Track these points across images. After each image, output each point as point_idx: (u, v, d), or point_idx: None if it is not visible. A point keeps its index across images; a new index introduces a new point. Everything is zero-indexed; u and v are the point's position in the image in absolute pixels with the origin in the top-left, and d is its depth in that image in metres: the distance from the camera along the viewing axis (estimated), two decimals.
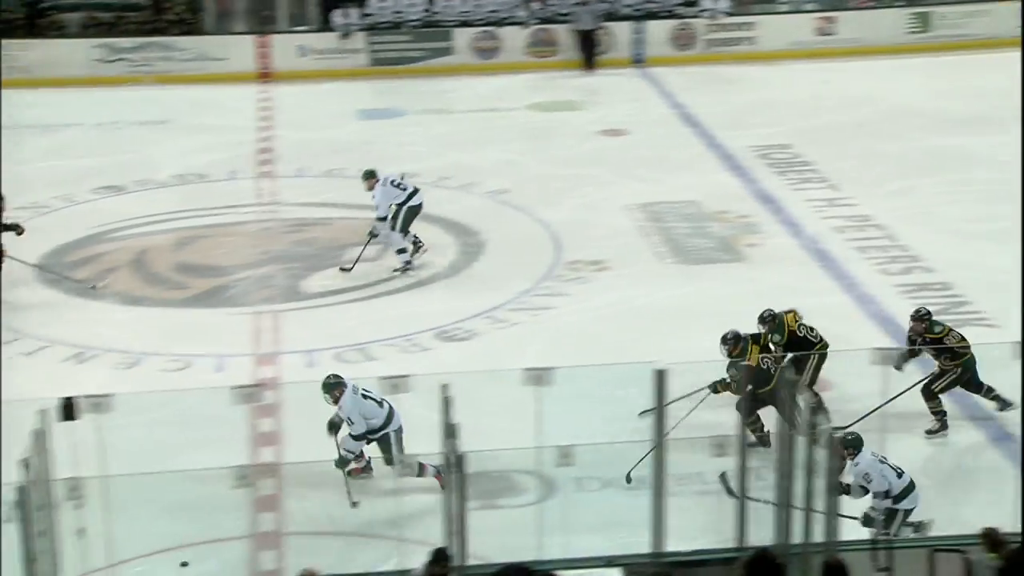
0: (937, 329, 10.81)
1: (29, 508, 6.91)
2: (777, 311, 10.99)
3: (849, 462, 9.12)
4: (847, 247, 14.89)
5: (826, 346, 10.94)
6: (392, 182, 14.18)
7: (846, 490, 8.97)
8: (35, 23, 22.95)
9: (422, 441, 8.11)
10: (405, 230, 14.19)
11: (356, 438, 9.73)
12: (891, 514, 9.10)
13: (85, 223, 15.86)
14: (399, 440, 9.82)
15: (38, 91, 21.54)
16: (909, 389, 10.45)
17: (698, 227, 15.71)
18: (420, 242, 14.44)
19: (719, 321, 11.38)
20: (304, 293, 14.08)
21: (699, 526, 8.83)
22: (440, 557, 6.96)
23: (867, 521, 9.08)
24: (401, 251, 14.22)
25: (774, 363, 10.53)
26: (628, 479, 9.68)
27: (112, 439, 8.35)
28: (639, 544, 7.79)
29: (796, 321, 10.99)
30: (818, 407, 10.62)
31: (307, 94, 21.84)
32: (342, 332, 12.94)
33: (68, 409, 9.58)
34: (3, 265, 13.78)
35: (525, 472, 9.96)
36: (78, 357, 12.45)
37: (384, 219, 14.03)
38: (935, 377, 10.72)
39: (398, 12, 23.54)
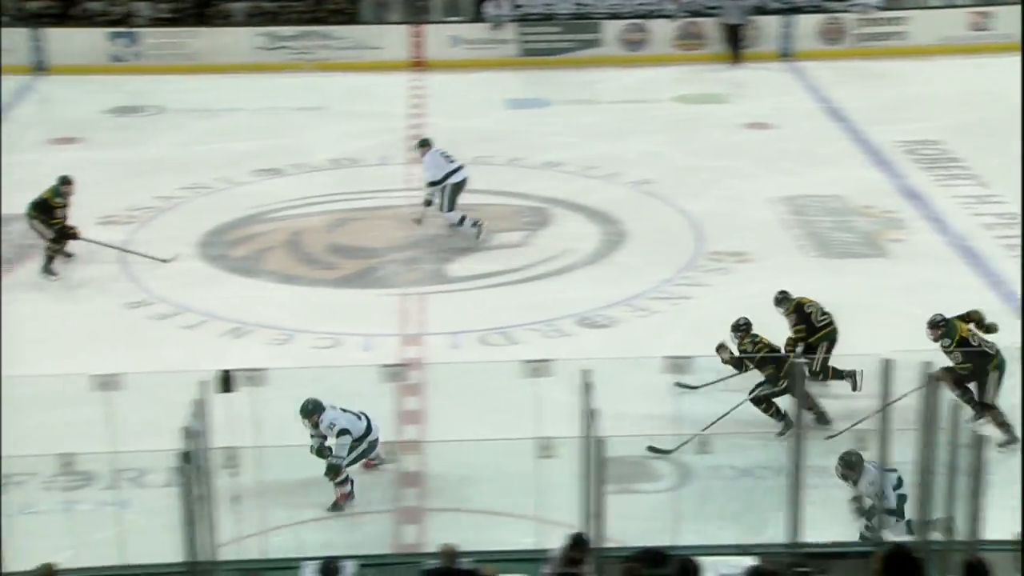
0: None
1: (190, 474, 7.34)
2: (792, 295, 11.36)
3: (858, 481, 8.89)
4: (995, 245, 14.69)
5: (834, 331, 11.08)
6: (442, 153, 15.11)
7: (866, 512, 8.86)
8: (204, 12, 23.83)
9: (562, 425, 8.31)
10: (452, 206, 15.00)
11: (343, 433, 9.72)
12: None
13: (243, 204, 16.44)
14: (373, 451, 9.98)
15: (203, 77, 22.34)
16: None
17: (842, 221, 15.65)
18: (466, 223, 15.15)
19: (860, 316, 11.41)
20: (450, 276, 14.42)
21: (831, 517, 8.88)
22: (578, 542, 7.09)
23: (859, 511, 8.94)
24: (461, 222, 15.05)
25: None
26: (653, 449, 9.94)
27: (266, 411, 8.74)
28: (774, 533, 7.92)
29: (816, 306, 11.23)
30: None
31: (457, 83, 22.22)
32: (486, 315, 13.23)
33: (226, 381, 10.05)
34: (67, 243, 14.37)
35: (661, 458, 10.15)
36: (235, 332, 12.96)
37: (434, 184, 14.96)
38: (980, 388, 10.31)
39: (548, 4, 23.78)
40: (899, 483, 8.57)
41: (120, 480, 9.24)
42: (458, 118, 20.15)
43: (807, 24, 23.41)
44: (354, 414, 9.85)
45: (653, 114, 20.50)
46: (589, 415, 7.26)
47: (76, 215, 15.04)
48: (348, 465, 9.72)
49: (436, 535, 8.84)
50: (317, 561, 7.44)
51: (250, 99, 21.29)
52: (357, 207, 16.53)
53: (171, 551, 7.56)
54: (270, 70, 22.67)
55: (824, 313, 11.29)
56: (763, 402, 10.61)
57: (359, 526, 9.64)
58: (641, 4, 23.72)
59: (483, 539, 8.86)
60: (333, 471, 9.63)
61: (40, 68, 22.63)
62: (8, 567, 7.51)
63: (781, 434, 10.31)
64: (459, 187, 15.06)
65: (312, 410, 9.79)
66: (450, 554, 7.33)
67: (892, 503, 8.60)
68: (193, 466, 7.44)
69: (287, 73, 22.61)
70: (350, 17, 23.90)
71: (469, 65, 22.97)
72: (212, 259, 14.83)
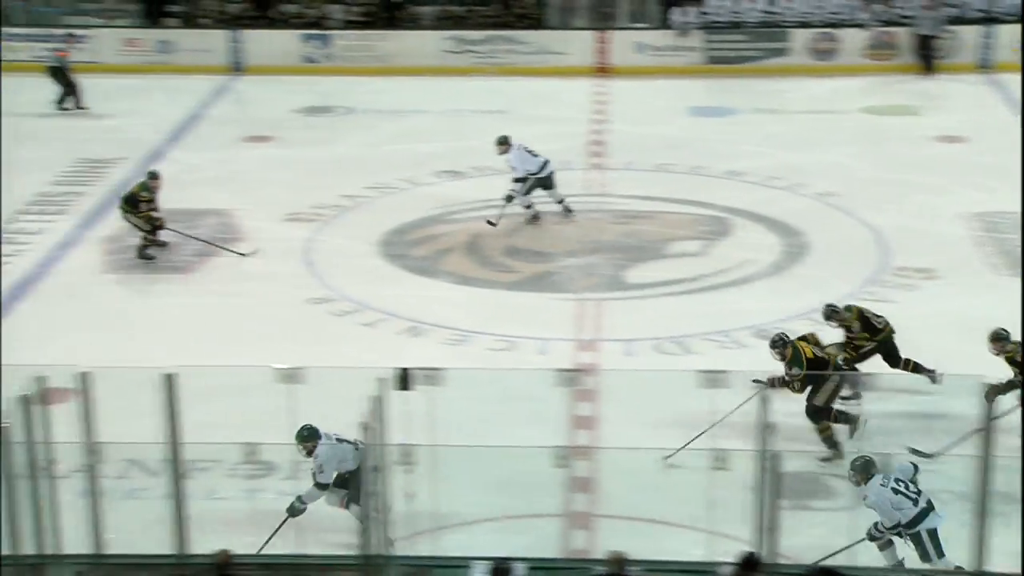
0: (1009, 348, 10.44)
1: (366, 469, 7.48)
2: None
3: (858, 488, 8.78)
4: None
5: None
6: (525, 149, 15.61)
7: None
8: (394, 16, 24.30)
9: (736, 439, 8.21)
10: (527, 194, 15.63)
11: (320, 487, 9.27)
12: (915, 539, 8.62)
13: (425, 205, 16.69)
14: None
15: (392, 79, 22.77)
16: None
17: None
18: (571, 210, 15.89)
19: None
20: (627, 283, 14.38)
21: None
22: (750, 562, 6.97)
23: (872, 537, 8.75)
24: (528, 207, 15.70)
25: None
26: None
27: (441, 411, 8.84)
28: (956, 558, 7.66)
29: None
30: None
31: (641, 90, 22.15)
32: (662, 324, 13.15)
33: (404, 379, 10.22)
34: (159, 235, 14.84)
35: (838, 476, 9.92)
36: (412, 331, 13.16)
37: (521, 180, 15.44)
38: None
39: (736, 12, 23.52)
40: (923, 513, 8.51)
41: (299, 471, 9.46)
42: (640, 124, 20.08)
43: (1007, 34, 22.60)
44: (351, 443, 9.31)
45: (841, 125, 20.08)
46: (765, 429, 7.15)
47: (265, 211, 15.53)
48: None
49: (605, 542, 8.82)
50: (488, 561, 7.48)
51: (435, 101, 21.61)
52: (537, 210, 16.59)
53: (346, 544, 7.74)
54: (456, 73, 22.97)
55: (879, 315, 11.42)
56: (824, 415, 10.39)
57: (529, 529, 9.66)
58: (833, 13, 23.27)
59: (652, 548, 8.79)
60: (292, 512, 9.16)
61: (237, 68, 23.40)
62: (192, 550, 7.76)
63: (827, 460, 10.21)
64: (542, 181, 15.66)
65: (307, 437, 9.31)
66: (618, 561, 7.30)
67: (896, 517, 8.55)
68: (368, 461, 7.58)
69: (472, 76, 22.88)
70: (536, 22, 24.06)
71: (653, 72, 22.88)
72: (393, 258, 15.09)
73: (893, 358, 11.33)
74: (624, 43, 23.34)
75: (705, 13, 23.43)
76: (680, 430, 10.22)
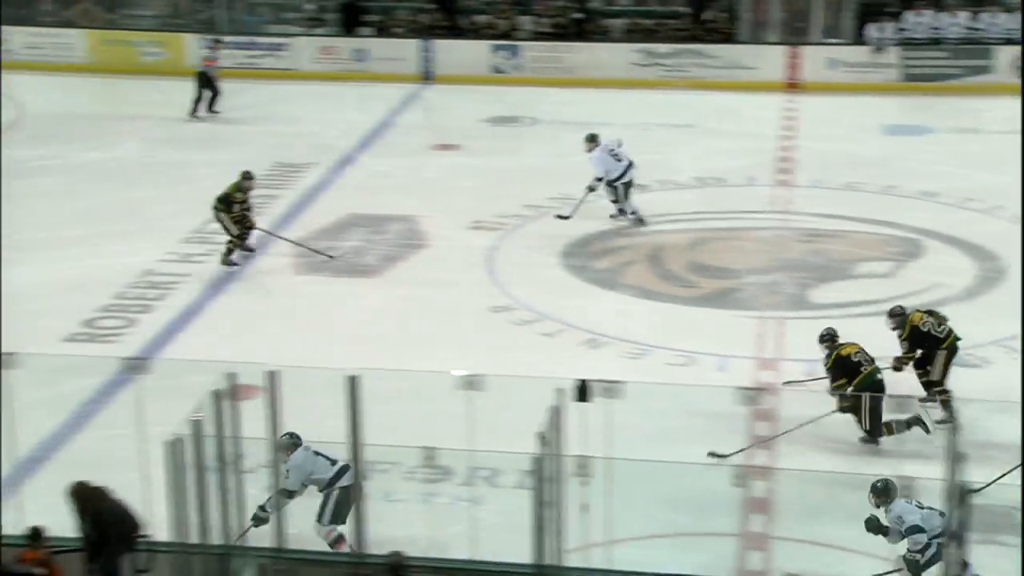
0: None
1: (541, 479, 7.49)
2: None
3: (881, 508, 8.62)
4: None
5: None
6: (610, 150, 16.04)
7: (884, 530, 8.59)
8: (583, 28, 24.39)
9: (920, 464, 7.95)
10: (625, 198, 16.09)
11: (283, 492, 8.85)
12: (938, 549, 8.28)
13: (607, 218, 16.67)
14: (345, 500, 8.97)
15: (578, 90, 22.87)
16: None
17: None
18: (629, 212, 16.19)
19: None
20: (811, 303, 14.09)
21: None
22: None
23: (910, 566, 8.43)
24: (621, 211, 16.10)
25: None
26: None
27: (619, 424, 8.80)
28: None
29: (921, 318, 11.19)
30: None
31: (832, 106, 21.72)
32: None
33: (582, 391, 10.21)
34: (249, 236, 15.11)
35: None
36: (591, 343, 13.13)
37: (601, 179, 15.86)
38: None
39: (936, 28, 22.87)
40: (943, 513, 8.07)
41: (475, 477, 9.54)
42: (831, 142, 19.71)
43: None
44: (328, 459, 9.17)
45: None
46: (955, 457, 6.90)
47: (450, 218, 15.71)
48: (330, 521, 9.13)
49: (781, 564, 8.65)
50: None
51: (622, 114, 21.55)
52: (720, 227, 16.44)
53: (519, 552, 7.76)
54: (643, 86, 22.91)
55: (942, 324, 11.29)
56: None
57: (704, 547, 9.54)
58: None
59: (828, 573, 8.60)
60: (256, 521, 8.76)
61: (427, 77, 23.80)
62: (369, 550, 7.90)
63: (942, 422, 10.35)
64: (628, 186, 16.10)
65: (288, 445, 9.06)
66: None
67: (921, 541, 8.35)
68: (546, 471, 7.59)
69: (659, 90, 22.78)
70: (727, 36, 23.84)
71: (846, 88, 22.43)
72: (574, 269, 15.10)
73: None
74: (817, 59, 22.94)
75: (903, 29, 22.85)
76: (861, 454, 9.95)
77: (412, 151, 19.60)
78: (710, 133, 20.56)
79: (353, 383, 7.57)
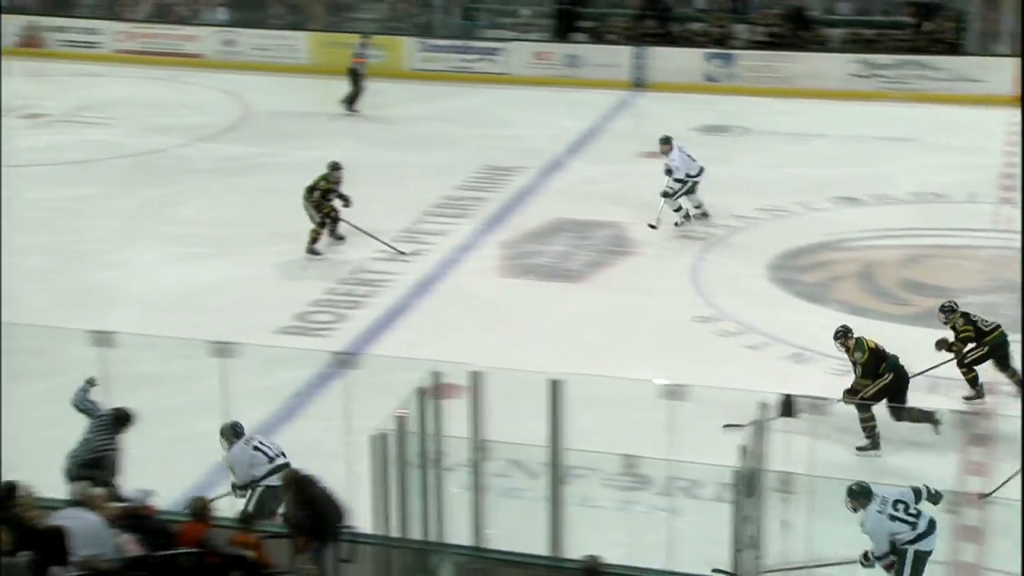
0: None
1: (742, 492, 7.37)
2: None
3: (855, 514, 8.69)
4: None
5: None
6: (685, 152, 16.15)
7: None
8: (801, 37, 23.96)
9: None
10: (686, 195, 16.17)
11: (237, 488, 9.48)
12: (901, 556, 8.55)
13: (819, 230, 16.32)
14: (269, 499, 9.26)
15: (793, 101, 22.48)
16: None
17: None
18: (707, 212, 16.44)
19: None
20: None
21: None
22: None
23: (863, 564, 8.68)
24: (677, 210, 16.11)
25: None
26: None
27: (823, 442, 8.61)
28: None
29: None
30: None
31: None
32: None
33: (788, 406, 10.05)
34: (338, 227, 15.52)
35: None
36: (797, 357, 12.87)
37: (682, 181, 15.95)
38: None
39: None
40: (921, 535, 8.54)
41: (674, 487, 9.45)
42: None
43: None
44: (266, 455, 9.47)
45: None
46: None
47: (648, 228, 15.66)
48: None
49: None
50: None
51: (837, 126, 21.12)
52: (937, 244, 15.91)
53: (716, 565, 7.66)
54: (861, 98, 22.36)
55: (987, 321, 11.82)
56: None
57: None
58: None
59: None
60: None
61: (639, 84, 23.74)
62: (567, 554, 7.90)
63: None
64: (698, 183, 16.17)
65: (231, 432, 9.58)
66: None
67: (885, 548, 8.56)
68: (747, 485, 7.47)
69: (877, 102, 22.19)
70: (953, 48, 23.06)
71: None
72: (781, 282, 14.84)
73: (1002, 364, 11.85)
74: None
75: None
76: None
77: (621, 158, 19.57)
78: (930, 147, 19.93)
79: (556, 387, 7.59)
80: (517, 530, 8.97)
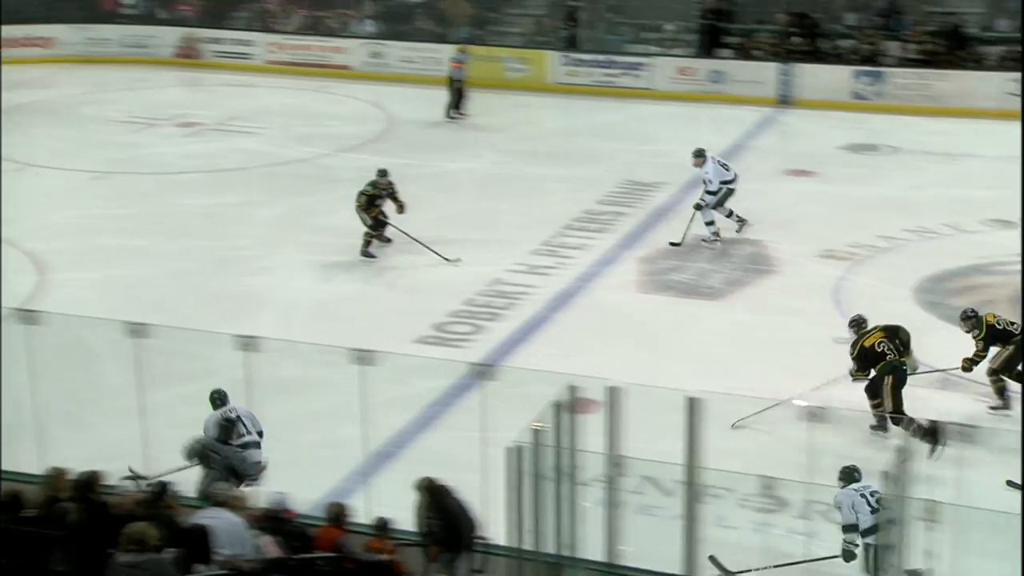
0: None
1: (883, 519, 7.20)
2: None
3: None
4: None
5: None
6: (719, 161, 16.28)
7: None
8: (956, 55, 23.39)
9: None
10: (720, 205, 16.12)
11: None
12: (866, 549, 8.77)
13: (970, 253, 15.91)
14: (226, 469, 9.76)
15: (945, 120, 22.00)
16: None
17: None
18: (744, 219, 16.39)
19: None
20: None
21: None
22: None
23: (846, 556, 8.91)
24: (710, 223, 16.05)
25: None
26: None
27: (971, 470, 8.38)
28: None
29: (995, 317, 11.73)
30: None
31: None
32: None
33: (933, 433, 9.82)
34: (385, 232, 15.86)
35: None
36: (943, 383, 12.52)
37: (714, 193, 15.95)
38: None
39: None
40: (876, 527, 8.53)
41: (811, 511, 9.28)
42: None
43: None
44: (248, 435, 9.98)
45: None
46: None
47: (799, 245, 15.37)
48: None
49: None
50: None
51: (991, 146, 20.54)
52: None
53: None
54: (1016, 118, 21.69)
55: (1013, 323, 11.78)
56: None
57: None
58: None
59: None
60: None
61: (785, 101, 23.46)
62: (701, 574, 7.81)
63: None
64: (732, 192, 16.18)
65: (215, 400, 10.17)
66: None
67: (851, 519, 8.86)
68: (890, 512, 7.31)
69: None
70: None
71: None
72: (928, 305, 14.49)
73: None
74: None
75: None
76: None
77: (765, 175, 19.33)
78: None
79: (693, 405, 7.50)
80: (650, 547, 8.91)
